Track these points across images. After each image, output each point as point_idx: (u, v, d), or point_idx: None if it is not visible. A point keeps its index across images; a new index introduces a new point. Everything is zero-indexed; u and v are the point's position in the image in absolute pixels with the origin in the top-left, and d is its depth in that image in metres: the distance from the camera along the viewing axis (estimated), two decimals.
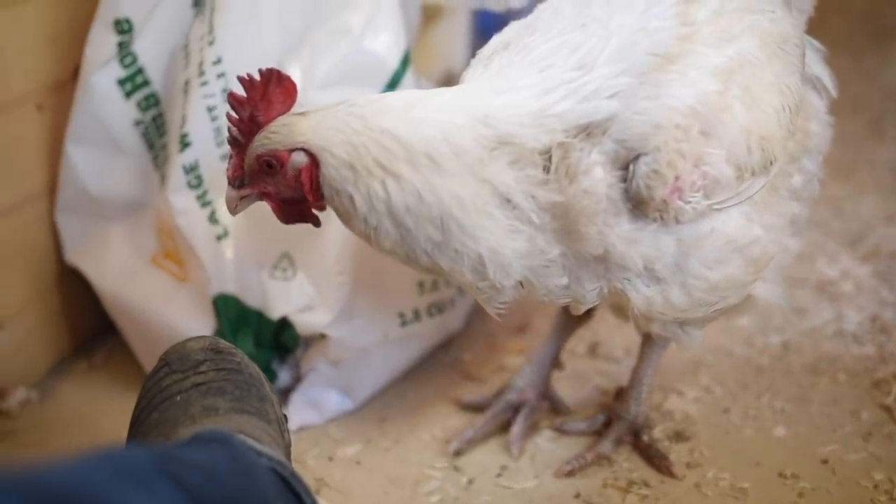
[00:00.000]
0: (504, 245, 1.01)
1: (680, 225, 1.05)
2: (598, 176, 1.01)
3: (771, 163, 1.08)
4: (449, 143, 0.98)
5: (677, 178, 1.01)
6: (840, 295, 1.70)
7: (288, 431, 1.07)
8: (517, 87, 1.03)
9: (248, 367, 1.05)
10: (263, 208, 1.37)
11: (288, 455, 1.04)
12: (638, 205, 1.02)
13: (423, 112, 1.01)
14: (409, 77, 1.41)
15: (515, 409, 1.37)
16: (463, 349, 1.58)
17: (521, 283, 1.06)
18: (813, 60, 1.23)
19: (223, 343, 1.06)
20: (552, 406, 1.41)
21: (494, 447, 1.35)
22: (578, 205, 1.00)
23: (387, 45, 1.39)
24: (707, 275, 1.10)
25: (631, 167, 1.01)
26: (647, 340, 1.33)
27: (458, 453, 1.33)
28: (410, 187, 0.98)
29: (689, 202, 1.03)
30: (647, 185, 1.01)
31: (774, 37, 1.11)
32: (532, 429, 1.38)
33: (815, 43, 1.26)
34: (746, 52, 1.07)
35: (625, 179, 1.02)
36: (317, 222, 1.07)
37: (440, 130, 0.99)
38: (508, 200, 1.00)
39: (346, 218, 1.03)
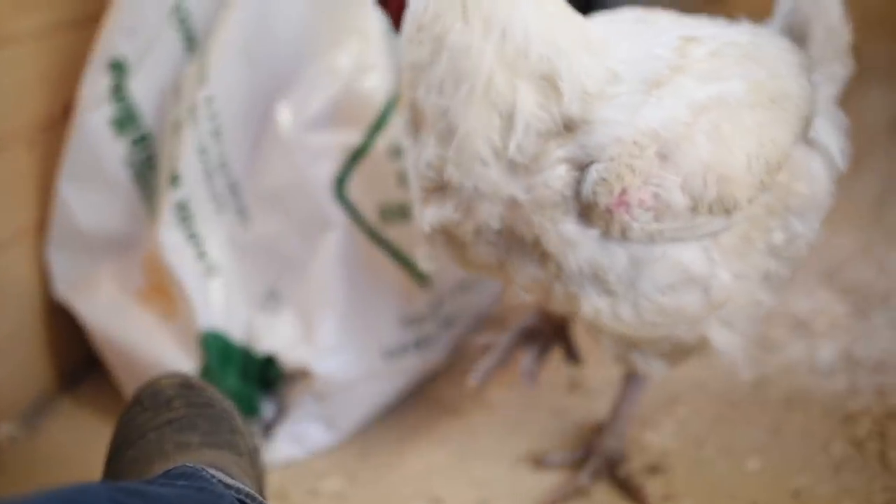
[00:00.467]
0: (476, 142, 1.04)
1: (632, 242, 1.08)
2: (559, 173, 1.06)
3: (733, 206, 1.11)
4: (525, 39, 1.03)
5: (624, 190, 1.04)
6: (814, 330, 1.74)
7: (261, 463, 1.10)
8: (611, 55, 1.09)
9: (219, 401, 1.08)
10: (252, 246, 1.41)
11: (261, 486, 1.07)
12: (585, 209, 1.06)
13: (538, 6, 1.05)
14: (396, 115, 1.45)
15: (529, 337, 1.39)
16: (445, 384, 1.61)
17: (464, 202, 1.09)
18: (826, 130, 1.26)
19: (194, 379, 1.10)
20: (565, 350, 1.42)
21: (475, 481, 1.38)
22: (535, 192, 1.06)
23: (375, 84, 1.43)
24: (658, 298, 1.12)
25: (585, 172, 1.06)
26: (628, 376, 1.37)
27: (479, 385, 1.35)
28: (467, 41, 1.02)
29: (638, 220, 1.06)
30: (594, 192, 1.04)
31: (768, 90, 1.15)
32: (543, 364, 1.39)
33: (840, 116, 1.30)
34: (729, 95, 1.11)
35: (580, 182, 1.06)
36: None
37: (532, 27, 1.03)
38: (511, 118, 1.04)
39: (408, 15, 1.07)
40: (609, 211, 1.05)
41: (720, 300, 1.15)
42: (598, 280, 1.10)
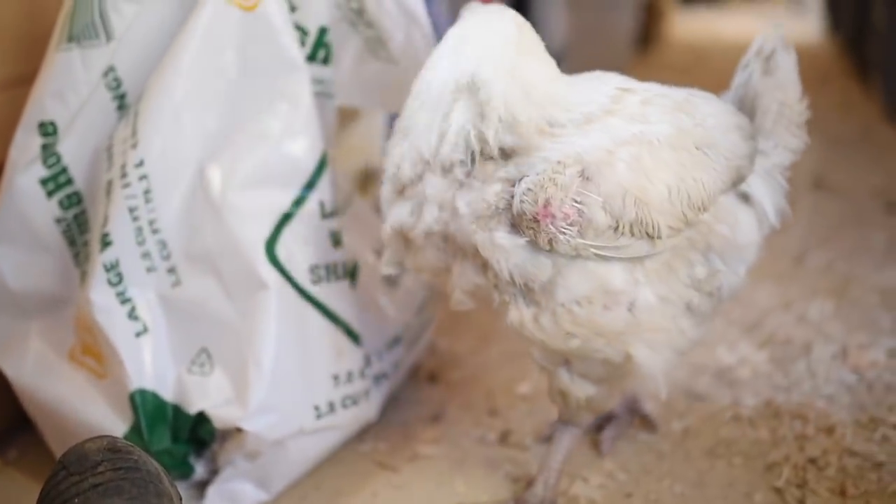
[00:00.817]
0: (420, 140, 1.27)
1: (560, 255, 1.20)
2: (495, 189, 1.22)
3: (655, 231, 1.21)
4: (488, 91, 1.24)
5: (548, 201, 1.18)
6: (737, 380, 1.80)
7: None
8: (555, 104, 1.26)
9: (145, 464, 1.08)
10: (184, 305, 1.42)
11: None
12: (516, 219, 1.21)
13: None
14: (325, 178, 1.48)
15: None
16: (378, 439, 1.62)
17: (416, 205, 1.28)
18: (762, 189, 1.35)
19: (121, 442, 1.10)
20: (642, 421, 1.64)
21: None
22: (474, 205, 1.23)
23: (304, 148, 1.46)
24: (574, 308, 1.22)
25: (517, 186, 1.21)
26: (558, 426, 1.40)
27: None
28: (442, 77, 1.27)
29: (565, 233, 1.18)
30: (521, 201, 1.20)
31: (694, 137, 1.26)
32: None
33: (782, 181, 1.39)
34: (652, 134, 1.23)
35: (513, 196, 1.21)
36: None
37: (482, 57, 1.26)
38: (446, 119, 1.25)
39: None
40: (536, 220, 1.19)
41: (644, 319, 1.24)
42: (528, 289, 1.23)
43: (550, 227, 1.18)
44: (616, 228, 1.19)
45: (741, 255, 1.33)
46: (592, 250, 1.20)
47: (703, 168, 1.25)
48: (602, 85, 1.30)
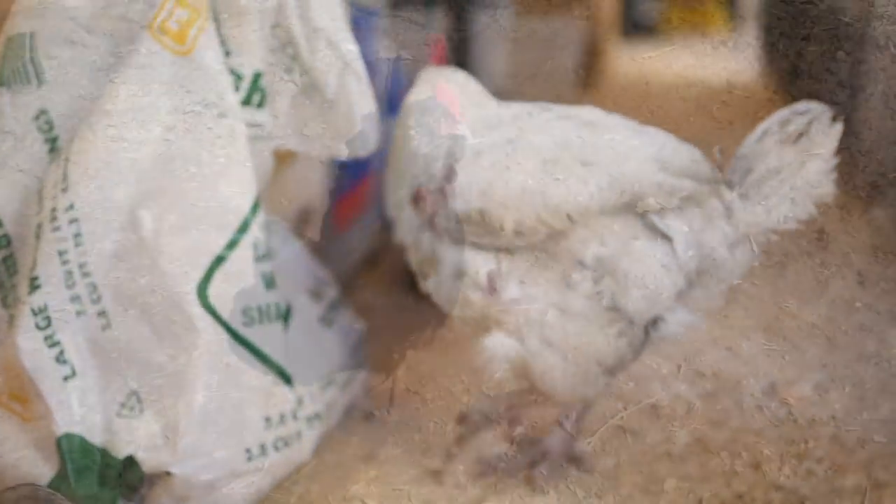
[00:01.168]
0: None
1: (442, 237, 1.44)
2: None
3: (499, 224, 1.39)
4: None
5: (419, 187, 1.47)
6: (669, 416, 1.83)
7: None
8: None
9: None
10: (114, 348, 1.41)
11: None
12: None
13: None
14: (259, 220, 1.49)
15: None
16: (311, 480, 1.61)
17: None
18: (682, 227, 1.41)
19: (42, 490, 1.09)
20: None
21: None
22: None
23: (238, 191, 1.47)
24: (450, 280, 1.45)
25: None
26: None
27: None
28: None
29: (439, 216, 1.44)
30: (407, 189, 1.50)
31: (574, 151, 1.40)
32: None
33: (728, 230, 1.45)
34: (525, 141, 1.42)
35: None
36: None
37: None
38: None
39: None
40: (414, 202, 1.47)
41: (510, 307, 1.40)
42: (430, 263, 1.47)
43: (426, 209, 1.45)
44: (468, 216, 1.41)
45: (634, 278, 1.39)
46: (469, 236, 1.41)
47: (581, 183, 1.37)
48: (535, 107, 1.51)
